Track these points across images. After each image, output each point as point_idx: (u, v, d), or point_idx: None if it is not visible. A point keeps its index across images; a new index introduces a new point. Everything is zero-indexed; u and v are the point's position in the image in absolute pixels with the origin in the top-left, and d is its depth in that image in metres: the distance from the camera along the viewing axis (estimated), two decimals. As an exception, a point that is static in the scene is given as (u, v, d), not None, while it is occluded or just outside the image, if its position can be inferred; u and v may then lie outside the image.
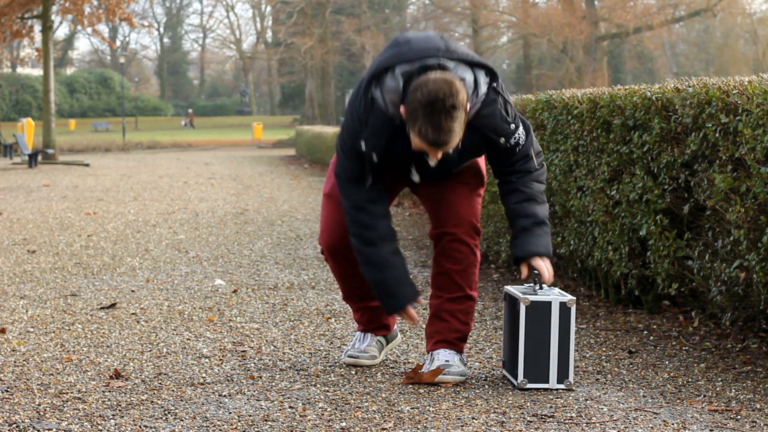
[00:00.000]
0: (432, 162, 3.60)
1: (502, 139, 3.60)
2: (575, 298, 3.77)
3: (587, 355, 4.22)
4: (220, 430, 3.19)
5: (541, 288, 3.71)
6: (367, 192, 3.66)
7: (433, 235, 3.92)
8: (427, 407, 3.43)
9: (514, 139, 3.62)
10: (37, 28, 28.72)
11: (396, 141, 3.56)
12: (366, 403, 3.48)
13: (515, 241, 3.69)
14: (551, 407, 3.42)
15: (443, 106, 3.32)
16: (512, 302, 3.76)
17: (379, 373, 3.93)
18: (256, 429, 3.20)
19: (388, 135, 3.54)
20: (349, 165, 3.65)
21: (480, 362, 4.12)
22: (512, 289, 3.78)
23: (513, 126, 3.60)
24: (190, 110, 70.70)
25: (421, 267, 6.87)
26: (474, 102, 3.50)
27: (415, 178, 3.72)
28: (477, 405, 3.46)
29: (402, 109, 3.44)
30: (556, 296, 3.67)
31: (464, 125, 3.43)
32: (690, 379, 3.81)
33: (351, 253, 3.87)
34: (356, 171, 3.64)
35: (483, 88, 3.51)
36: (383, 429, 3.19)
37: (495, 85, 3.54)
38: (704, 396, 3.57)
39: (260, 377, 3.87)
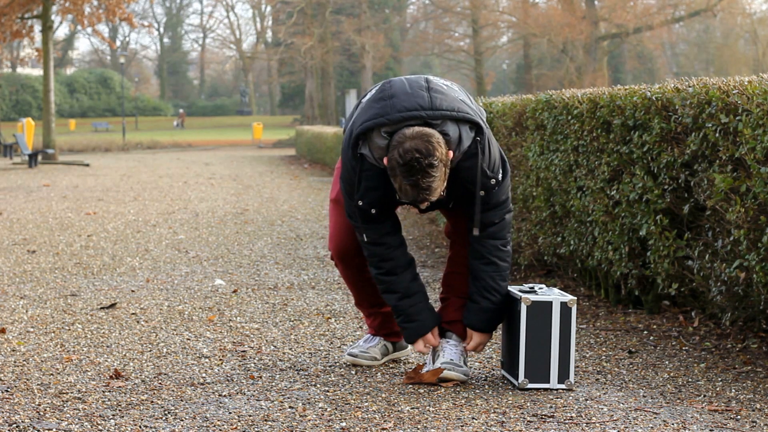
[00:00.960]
0: (423, 205, 3.64)
1: (482, 192, 3.64)
2: (576, 298, 3.77)
3: (587, 355, 4.22)
4: (220, 430, 3.19)
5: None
6: (380, 228, 3.71)
7: (449, 234, 3.95)
8: (427, 407, 3.43)
9: (491, 191, 3.65)
10: (37, 28, 28.72)
11: (390, 189, 3.61)
12: (366, 403, 3.48)
13: (468, 305, 3.80)
14: (551, 407, 3.42)
15: (420, 166, 3.38)
16: (512, 302, 3.76)
17: (379, 373, 3.93)
18: (256, 429, 3.20)
19: (383, 188, 3.60)
20: (356, 208, 3.69)
21: (480, 362, 4.12)
22: (511, 288, 3.78)
23: (493, 181, 3.64)
24: (181, 110, 70.35)
25: (421, 267, 6.87)
26: (456, 155, 3.54)
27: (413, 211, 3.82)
28: (477, 405, 3.46)
29: (386, 161, 3.49)
30: (557, 296, 3.67)
31: (446, 176, 3.48)
32: (690, 379, 3.81)
33: (361, 258, 3.90)
34: (363, 215, 3.69)
35: (466, 143, 3.55)
36: (383, 429, 3.19)
37: (479, 139, 3.57)
38: (704, 396, 3.57)
39: (260, 377, 3.87)
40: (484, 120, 3.65)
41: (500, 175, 3.67)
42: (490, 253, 3.71)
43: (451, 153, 3.48)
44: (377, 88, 3.67)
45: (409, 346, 4.20)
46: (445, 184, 3.51)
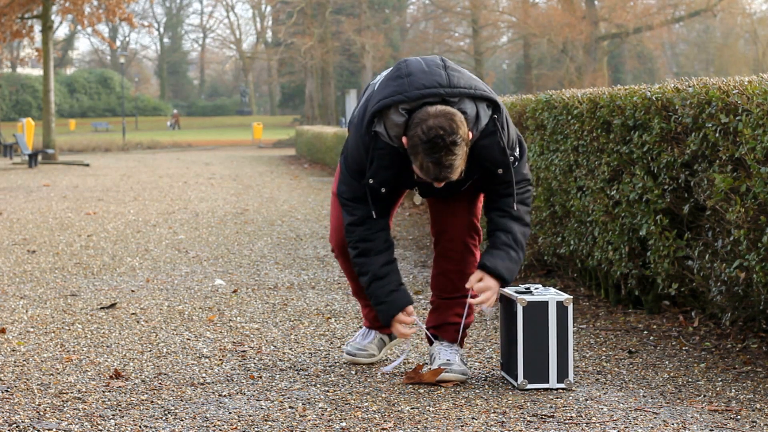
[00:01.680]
0: (439, 185, 3.60)
1: (500, 170, 3.63)
2: (572, 296, 3.77)
3: (587, 355, 4.22)
4: (220, 430, 3.19)
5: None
6: (371, 208, 3.69)
7: (433, 234, 3.95)
8: (427, 407, 3.43)
9: (510, 168, 3.64)
10: (37, 28, 28.72)
11: (403, 170, 3.59)
12: (366, 403, 3.48)
13: (489, 250, 3.69)
14: (551, 407, 3.42)
15: (444, 144, 3.36)
16: (508, 303, 3.76)
17: (379, 373, 3.93)
18: (256, 429, 3.20)
19: (396, 167, 3.58)
20: (355, 185, 3.68)
21: (480, 362, 4.12)
22: (507, 290, 3.78)
23: (511, 158, 3.62)
24: (175, 110, 69.84)
25: (421, 267, 6.87)
26: (474, 134, 3.52)
27: (417, 200, 3.76)
28: (477, 405, 3.46)
29: (405, 140, 3.47)
30: (552, 296, 3.67)
31: (466, 156, 3.46)
32: (690, 379, 3.81)
33: None
34: (361, 191, 3.67)
35: (484, 121, 3.53)
36: (383, 429, 3.19)
37: (496, 116, 3.56)
38: (704, 396, 3.57)
39: (260, 377, 3.87)
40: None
41: (518, 152, 3.66)
42: (522, 215, 3.68)
43: (470, 134, 3.47)
44: (392, 68, 3.64)
45: None
46: (464, 163, 3.49)
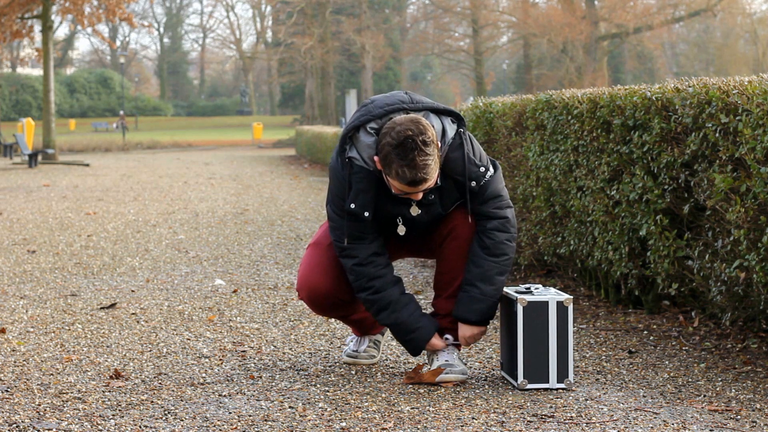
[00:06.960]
0: (414, 212, 3.66)
1: (473, 183, 3.66)
2: (572, 296, 3.77)
3: (587, 355, 4.22)
4: (220, 430, 3.19)
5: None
6: (370, 247, 3.70)
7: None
8: (427, 407, 3.43)
9: (483, 181, 3.67)
10: (37, 28, 28.73)
11: (381, 194, 3.64)
12: (366, 403, 3.49)
13: (459, 296, 3.75)
14: (551, 407, 3.42)
15: (415, 144, 3.42)
16: (508, 303, 3.76)
17: (379, 373, 3.93)
18: (256, 429, 3.20)
19: (374, 189, 3.61)
20: (347, 224, 3.67)
21: (480, 362, 4.12)
22: (507, 290, 3.78)
23: (482, 169, 3.67)
24: (121, 112, 68.48)
25: (421, 267, 6.87)
26: (443, 147, 3.58)
27: (401, 231, 3.73)
28: (477, 405, 3.46)
29: (377, 158, 3.52)
30: (552, 296, 3.67)
31: (439, 162, 3.52)
32: (690, 379, 3.81)
33: (331, 300, 3.85)
34: (357, 229, 3.67)
35: (450, 134, 3.61)
36: (383, 429, 3.19)
37: (462, 130, 3.63)
38: (704, 396, 3.57)
39: (260, 377, 3.87)
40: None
41: (490, 168, 3.70)
42: (495, 246, 3.70)
43: (438, 144, 3.52)
44: None
45: None
46: (438, 176, 3.55)
